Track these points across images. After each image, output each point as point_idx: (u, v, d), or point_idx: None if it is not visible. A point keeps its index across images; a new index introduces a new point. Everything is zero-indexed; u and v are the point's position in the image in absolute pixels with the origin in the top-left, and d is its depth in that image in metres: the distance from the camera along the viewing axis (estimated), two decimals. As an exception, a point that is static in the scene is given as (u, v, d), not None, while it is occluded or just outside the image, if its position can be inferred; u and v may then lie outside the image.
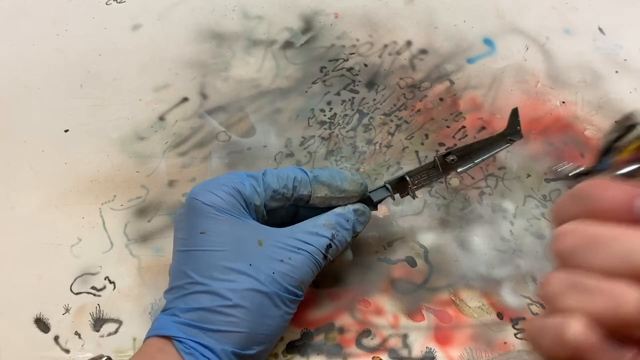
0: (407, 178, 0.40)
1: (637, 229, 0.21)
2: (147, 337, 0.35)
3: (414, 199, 0.41)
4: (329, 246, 0.37)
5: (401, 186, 0.41)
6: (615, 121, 0.27)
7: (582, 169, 0.28)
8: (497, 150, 0.41)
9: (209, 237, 0.35)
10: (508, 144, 0.41)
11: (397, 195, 0.41)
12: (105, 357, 0.38)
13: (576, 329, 0.21)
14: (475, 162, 0.41)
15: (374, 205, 0.41)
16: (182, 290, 0.35)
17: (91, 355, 0.40)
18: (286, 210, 0.40)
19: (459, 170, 0.41)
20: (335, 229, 0.38)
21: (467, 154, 0.40)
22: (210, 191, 0.37)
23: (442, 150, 0.49)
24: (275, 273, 0.35)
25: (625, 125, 0.27)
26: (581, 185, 0.24)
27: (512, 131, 0.40)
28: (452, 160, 0.40)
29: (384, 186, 0.41)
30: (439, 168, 0.40)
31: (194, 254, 0.35)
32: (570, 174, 0.28)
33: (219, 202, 0.36)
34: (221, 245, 0.35)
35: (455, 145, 0.50)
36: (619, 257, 0.21)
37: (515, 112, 0.40)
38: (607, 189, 0.22)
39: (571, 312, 0.22)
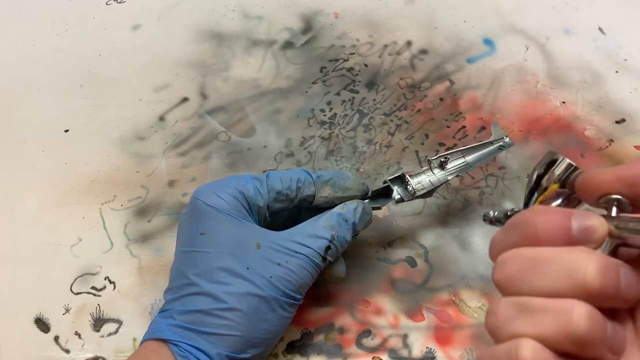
0: (407, 175, 0.41)
1: (574, 248, 0.22)
2: (144, 340, 0.35)
3: (413, 195, 0.41)
4: (328, 248, 0.37)
5: (402, 189, 0.41)
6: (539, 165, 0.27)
7: (515, 209, 0.28)
8: (490, 155, 0.43)
9: (209, 239, 0.35)
10: (499, 151, 0.43)
11: (401, 198, 0.41)
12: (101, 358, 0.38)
13: (527, 351, 0.21)
14: (468, 160, 0.42)
15: (376, 203, 0.41)
16: (179, 291, 0.35)
17: (91, 356, 0.40)
18: (289, 212, 0.40)
19: (448, 166, 0.42)
20: (335, 230, 0.37)
21: (460, 156, 0.42)
22: (213, 192, 0.36)
23: (443, 152, 0.49)
24: (273, 277, 0.35)
25: (546, 163, 0.27)
26: (515, 216, 0.24)
27: (499, 139, 0.43)
28: (445, 160, 0.41)
29: (387, 185, 0.41)
30: (434, 169, 0.41)
31: (193, 254, 0.35)
32: (507, 214, 0.28)
33: (221, 204, 0.36)
34: (220, 247, 0.35)
35: (455, 145, 0.50)
36: (560, 275, 0.21)
37: (495, 125, 0.43)
38: (543, 214, 0.23)
39: (521, 336, 0.21)
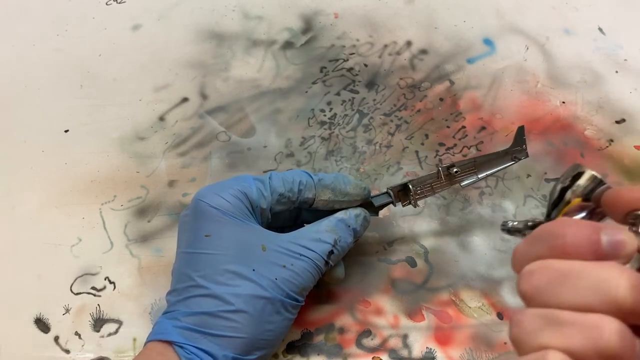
0: (410, 186, 0.41)
1: (605, 263, 0.21)
2: (148, 341, 0.35)
3: (415, 207, 0.41)
4: (331, 252, 0.37)
5: (403, 193, 0.41)
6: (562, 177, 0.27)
7: (537, 220, 0.27)
8: (502, 166, 0.42)
9: (214, 240, 0.35)
10: (513, 162, 0.42)
11: (398, 204, 0.42)
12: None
13: None
14: (480, 177, 0.41)
15: (375, 211, 0.41)
16: (184, 293, 0.35)
17: (92, 356, 0.40)
18: (289, 213, 0.41)
19: (462, 184, 0.41)
20: (338, 235, 0.38)
21: (472, 167, 0.41)
22: (217, 194, 0.36)
23: (443, 152, 0.49)
24: (278, 279, 0.35)
25: (571, 176, 0.26)
26: (542, 227, 0.24)
27: (517, 149, 0.41)
28: (456, 172, 0.41)
29: (387, 192, 0.41)
30: (442, 178, 0.41)
31: (197, 256, 0.35)
32: (528, 225, 0.28)
33: (225, 205, 0.36)
34: (225, 249, 0.35)
35: (455, 145, 0.50)
36: (591, 289, 0.21)
37: (521, 130, 0.41)
38: (572, 226, 0.22)
39: (548, 349, 0.21)
